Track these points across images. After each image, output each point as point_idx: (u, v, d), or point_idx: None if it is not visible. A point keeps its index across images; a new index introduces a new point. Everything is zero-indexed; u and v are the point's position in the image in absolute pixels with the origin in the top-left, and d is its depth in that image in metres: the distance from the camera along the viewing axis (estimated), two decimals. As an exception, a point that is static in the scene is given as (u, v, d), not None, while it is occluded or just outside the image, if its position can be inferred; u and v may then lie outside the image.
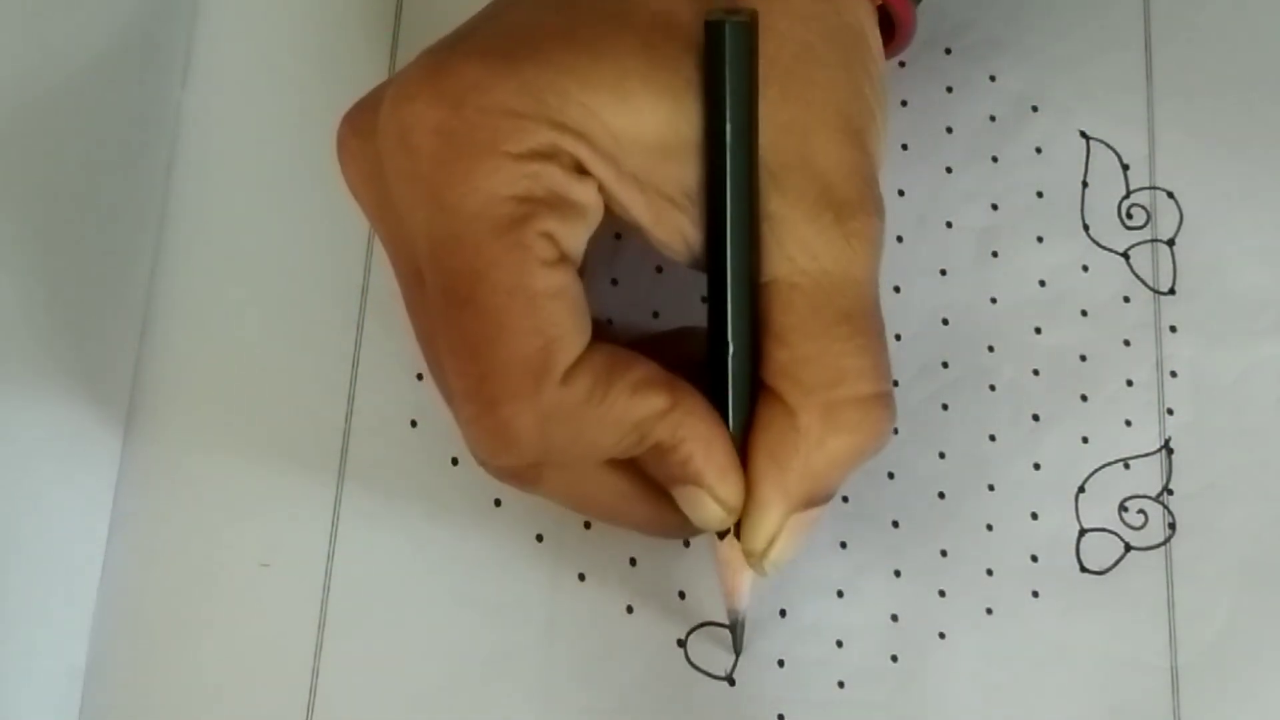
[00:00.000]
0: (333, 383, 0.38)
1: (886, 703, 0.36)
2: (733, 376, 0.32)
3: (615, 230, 0.38)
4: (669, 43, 0.31)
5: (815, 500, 0.33)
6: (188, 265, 0.38)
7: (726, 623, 0.36)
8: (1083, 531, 0.38)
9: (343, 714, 0.35)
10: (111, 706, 0.35)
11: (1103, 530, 0.38)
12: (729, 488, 0.32)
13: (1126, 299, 0.40)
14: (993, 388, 0.39)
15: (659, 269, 0.39)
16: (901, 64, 0.40)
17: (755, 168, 0.31)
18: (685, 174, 0.31)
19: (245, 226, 0.38)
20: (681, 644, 0.36)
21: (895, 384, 0.38)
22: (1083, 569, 0.38)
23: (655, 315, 0.38)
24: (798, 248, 0.31)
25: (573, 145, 0.30)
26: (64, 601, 0.36)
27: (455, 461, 0.37)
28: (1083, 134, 0.41)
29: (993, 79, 0.41)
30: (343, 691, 0.36)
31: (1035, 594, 0.37)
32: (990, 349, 0.39)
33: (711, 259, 0.32)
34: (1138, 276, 0.40)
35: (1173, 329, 0.39)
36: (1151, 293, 0.40)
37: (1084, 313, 0.40)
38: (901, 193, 0.40)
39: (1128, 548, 0.38)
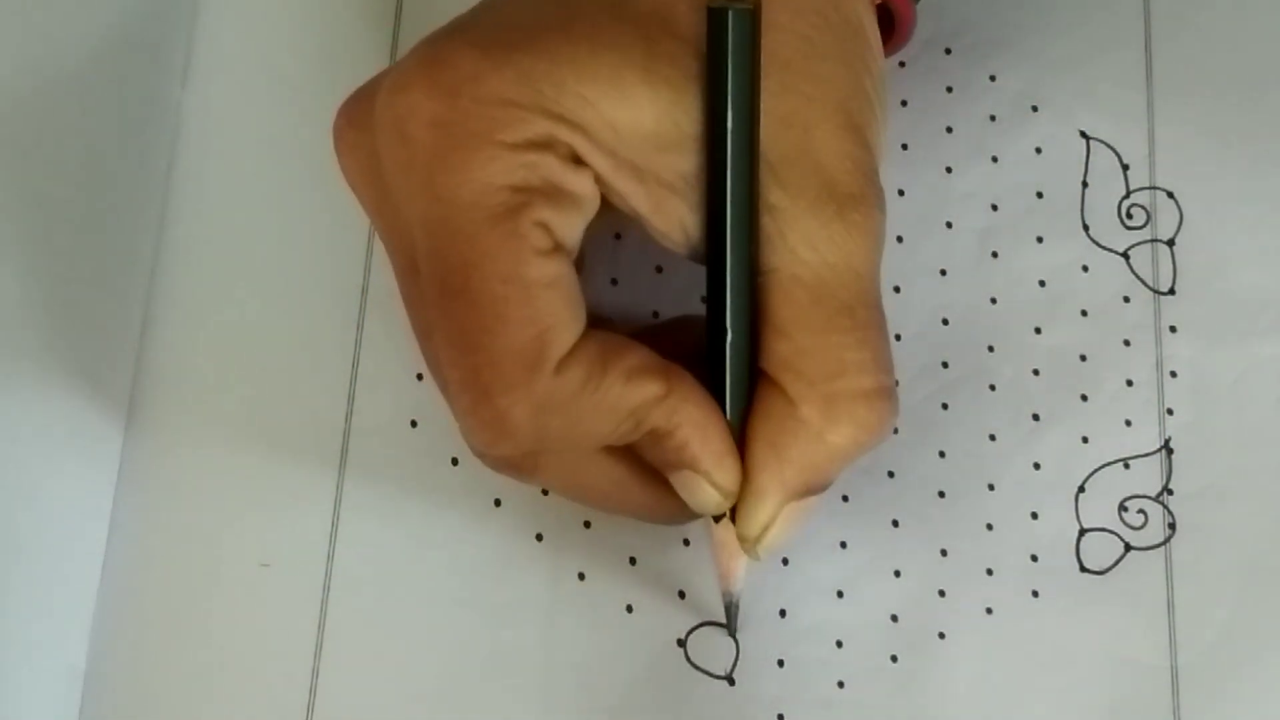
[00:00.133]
0: (333, 383, 0.37)
1: (886, 703, 0.36)
2: (731, 363, 0.32)
3: (615, 230, 0.38)
4: (667, 36, 0.31)
5: (812, 490, 0.33)
6: (188, 265, 0.38)
7: (726, 623, 0.36)
8: (1083, 531, 0.38)
9: (343, 714, 0.35)
10: (111, 706, 0.35)
11: (1103, 530, 0.38)
12: (725, 473, 0.32)
13: (1126, 299, 0.40)
14: (993, 388, 0.39)
15: (659, 269, 0.39)
16: (901, 64, 0.41)
17: (756, 155, 0.31)
18: (684, 164, 0.31)
19: (245, 226, 0.38)
20: (681, 644, 0.36)
21: (895, 384, 0.38)
22: (1083, 569, 0.38)
23: (655, 315, 0.38)
24: (799, 239, 0.31)
25: (569, 136, 0.30)
26: (64, 601, 0.36)
27: (455, 461, 0.37)
28: (1083, 134, 0.41)
29: (993, 79, 0.41)
30: (343, 691, 0.36)
31: (1035, 594, 0.37)
32: (990, 349, 0.39)
33: (711, 246, 0.32)
34: (1138, 276, 0.40)
35: (1173, 329, 0.39)
36: (1151, 293, 0.40)
37: (1084, 313, 0.40)
38: (901, 193, 0.40)
39: (1128, 548, 0.38)
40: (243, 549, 0.36)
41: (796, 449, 0.32)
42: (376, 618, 0.36)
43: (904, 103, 0.40)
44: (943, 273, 0.40)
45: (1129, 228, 0.40)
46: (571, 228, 0.31)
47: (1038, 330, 0.39)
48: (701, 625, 0.37)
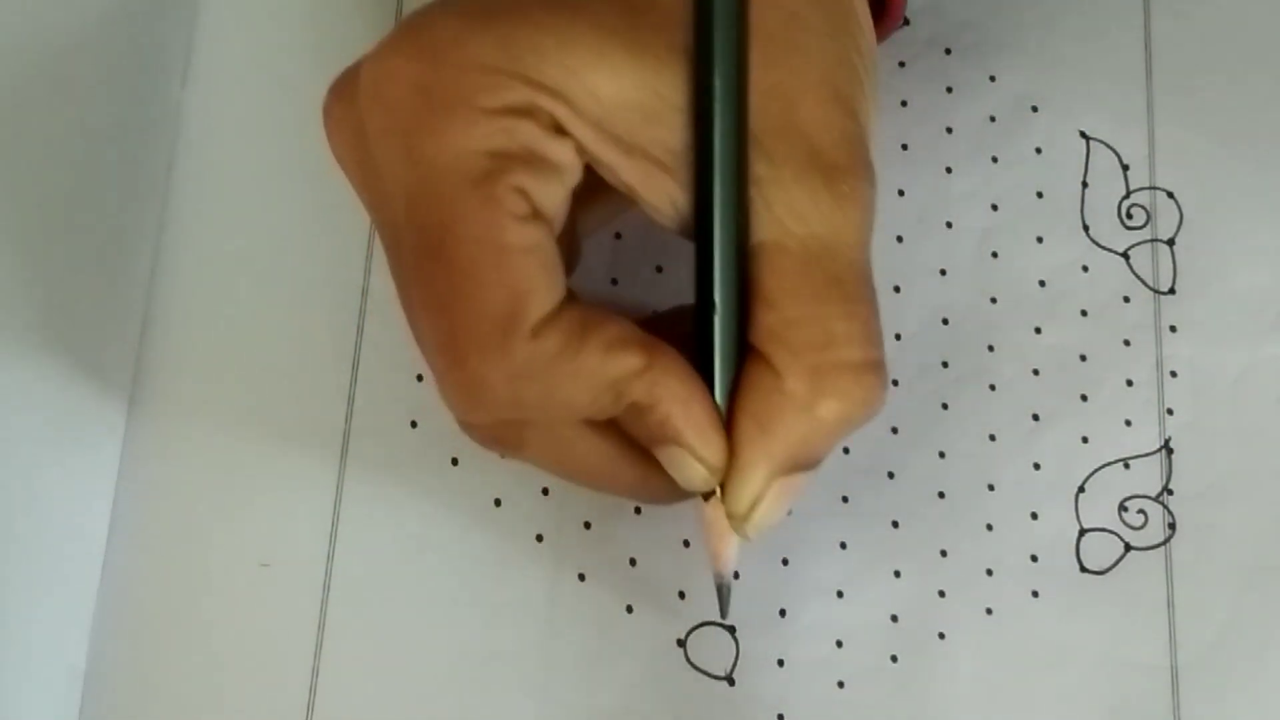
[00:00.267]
0: (333, 383, 0.37)
1: (886, 703, 0.36)
2: (719, 337, 0.32)
3: (615, 230, 0.38)
4: (651, 7, 0.31)
5: (801, 465, 0.32)
6: (188, 265, 0.38)
7: (718, 607, 0.36)
8: (1083, 531, 0.38)
9: (343, 714, 0.35)
10: (111, 706, 0.35)
11: (1103, 530, 0.38)
12: (710, 447, 0.32)
13: (1126, 299, 0.40)
14: (993, 388, 0.39)
15: (659, 268, 0.39)
16: (901, 64, 0.41)
17: (744, 128, 0.31)
18: (671, 137, 0.31)
19: (245, 226, 0.38)
20: (681, 644, 0.36)
21: (895, 383, 0.38)
22: (1083, 569, 0.38)
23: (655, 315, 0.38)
24: (785, 210, 0.31)
25: (550, 104, 0.30)
26: (64, 601, 0.36)
27: (455, 461, 0.37)
28: (1083, 134, 0.41)
29: (993, 79, 0.41)
30: (343, 691, 0.36)
31: (1035, 594, 0.37)
32: (990, 349, 0.39)
33: (699, 220, 0.32)
34: (1138, 276, 0.40)
35: (1173, 329, 0.39)
36: (1151, 293, 0.40)
37: (1084, 313, 0.40)
38: (901, 193, 0.40)
39: (1128, 548, 0.38)
40: (243, 549, 0.36)
41: (783, 422, 0.31)
42: (376, 617, 0.36)
43: (904, 103, 0.40)
44: (943, 273, 0.40)
45: (1129, 228, 0.40)
46: (551, 196, 0.31)
47: (1038, 330, 0.39)
48: (701, 625, 0.37)
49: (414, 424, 0.37)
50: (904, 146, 0.40)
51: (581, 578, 0.37)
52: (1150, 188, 0.40)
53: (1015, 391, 0.39)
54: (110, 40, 0.39)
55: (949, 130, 0.40)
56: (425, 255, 0.30)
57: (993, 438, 0.38)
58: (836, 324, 0.31)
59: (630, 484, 0.34)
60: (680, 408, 0.31)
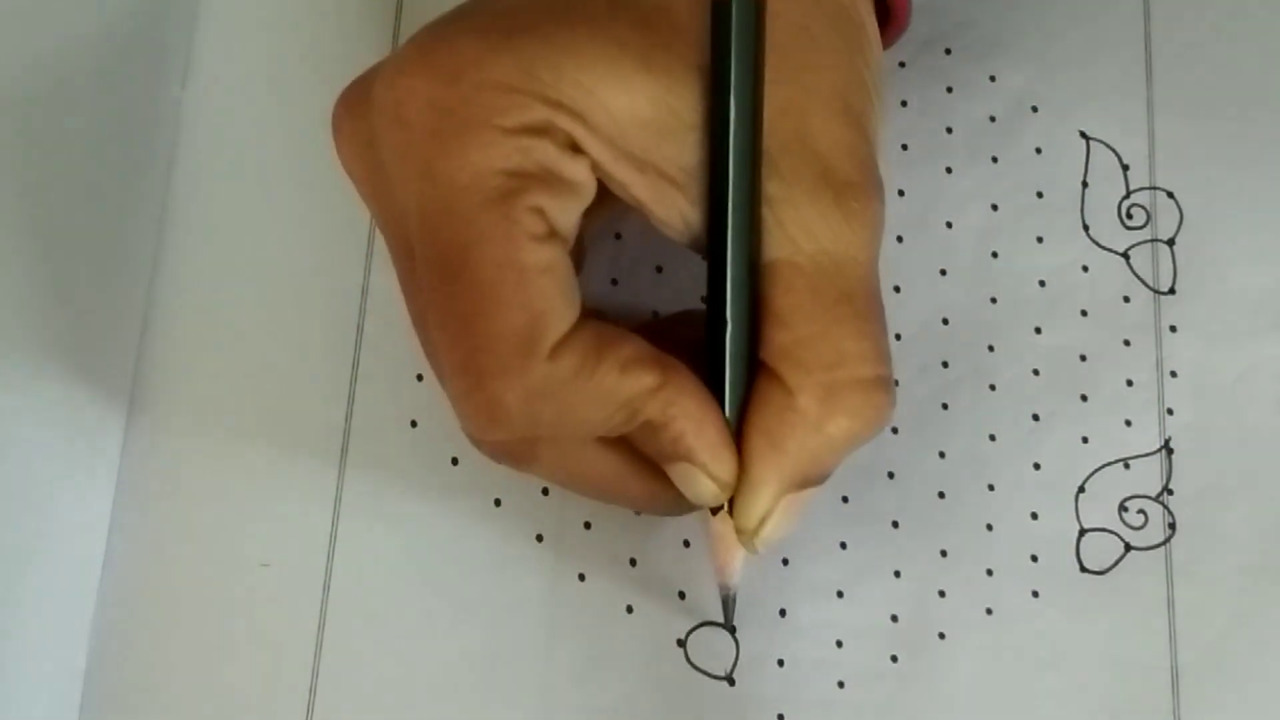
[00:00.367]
0: (333, 383, 0.37)
1: (886, 703, 0.36)
2: (730, 354, 0.32)
3: (615, 229, 0.38)
4: (666, 25, 0.31)
5: (810, 481, 0.33)
6: (188, 265, 0.38)
7: (723, 616, 0.36)
8: (1083, 531, 0.38)
9: (343, 714, 0.35)
10: (111, 706, 0.35)
11: (1103, 530, 0.38)
12: (722, 464, 0.32)
13: (1126, 299, 0.40)
14: (993, 388, 0.39)
15: (659, 268, 0.39)
16: (901, 64, 0.41)
17: (759, 147, 0.31)
18: (684, 154, 0.31)
19: (245, 226, 0.38)
20: (681, 644, 0.36)
21: (896, 383, 0.38)
22: (1083, 569, 0.38)
23: (655, 315, 0.38)
24: (797, 228, 0.31)
25: (566, 122, 0.30)
26: (64, 601, 0.36)
27: (455, 461, 0.37)
28: (1083, 134, 0.41)
29: (993, 79, 0.41)
30: (343, 691, 0.36)
31: (1035, 594, 0.37)
32: (990, 349, 0.39)
33: (711, 237, 0.32)
34: (1138, 276, 0.40)
35: (1173, 329, 0.39)
36: (1151, 293, 0.40)
37: (1084, 313, 0.40)
38: (901, 193, 0.40)
39: (1128, 548, 0.38)
40: (243, 549, 0.36)
41: (794, 439, 0.32)
42: (376, 618, 0.36)
43: (904, 103, 0.40)
44: (943, 273, 0.40)
45: (1129, 228, 0.40)
46: (567, 214, 0.31)
47: (1038, 330, 0.39)
48: (701, 625, 0.37)
49: (414, 424, 0.37)
50: (904, 146, 0.40)
51: (581, 578, 0.37)
52: (1150, 188, 0.40)
53: (1015, 391, 0.39)
54: (110, 40, 0.39)
55: (949, 130, 0.40)
56: (443, 275, 0.30)
57: (993, 438, 0.38)
58: (848, 342, 0.31)
59: (639, 497, 0.34)
60: (693, 425, 0.32)
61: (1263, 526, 0.38)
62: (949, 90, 0.41)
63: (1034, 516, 0.38)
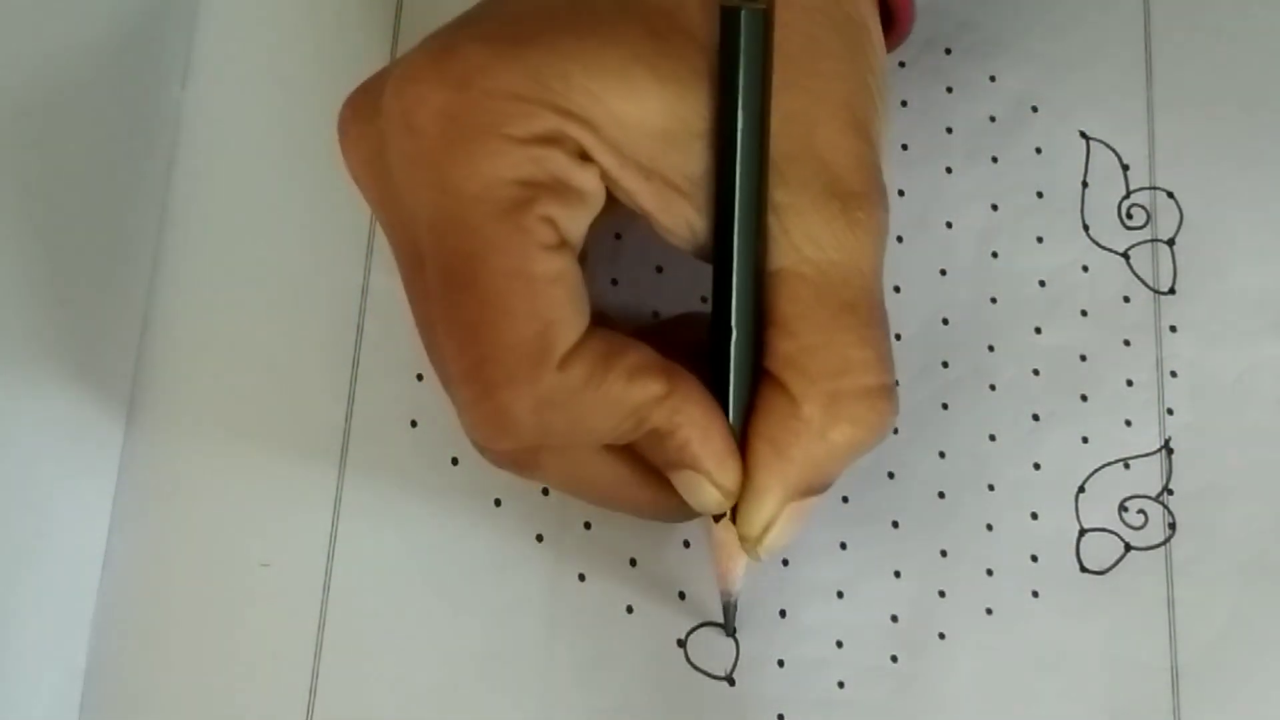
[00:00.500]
0: (333, 383, 0.37)
1: (886, 703, 0.36)
2: (734, 362, 0.32)
3: (616, 229, 0.38)
4: (675, 32, 0.31)
5: (813, 489, 0.33)
6: (188, 265, 0.38)
7: (723, 622, 0.36)
8: (1083, 531, 0.38)
9: (343, 714, 0.35)
10: (111, 706, 0.35)
11: (1103, 530, 0.38)
12: (726, 473, 0.32)
13: (1126, 299, 0.40)
14: (993, 388, 0.39)
15: (659, 269, 0.39)
16: (901, 64, 0.40)
17: (766, 155, 0.31)
18: (690, 162, 0.31)
19: (245, 226, 0.38)
20: (681, 644, 0.36)
21: (895, 383, 0.37)
22: (1083, 569, 0.38)
23: (655, 315, 0.38)
24: (803, 237, 0.31)
25: (577, 131, 0.30)
26: (64, 601, 0.36)
27: (455, 461, 0.37)
28: (1083, 134, 0.41)
29: (993, 79, 0.41)
30: (343, 691, 0.36)
31: (1035, 594, 0.37)
32: (990, 349, 0.39)
33: (717, 244, 0.32)
34: (1138, 276, 0.40)
35: (1173, 329, 0.39)
36: (1151, 293, 0.40)
37: (1084, 313, 0.40)
38: (901, 193, 0.40)
39: (1128, 548, 0.38)
40: (243, 549, 0.36)
41: (798, 448, 0.32)
42: (376, 618, 0.36)
43: (904, 103, 0.40)
44: (943, 273, 0.40)
45: (1129, 228, 0.40)
46: (577, 223, 0.31)
47: (1038, 330, 0.39)
48: (701, 626, 0.37)
49: (414, 424, 0.37)
50: (904, 146, 0.40)
51: (581, 578, 0.37)
52: (1150, 188, 0.40)
53: (1015, 391, 0.39)
54: (110, 41, 0.39)
55: (949, 130, 0.40)
56: (453, 285, 0.30)
57: (993, 438, 0.38)
58: (852, 351, 0.32)
59: (643, 505, 0.34)
60: (699, 433, 0.32)
61: (1263, 526, 0.38)
62: (949, 90, 0.41)
63: (1034, 516, 0.38)
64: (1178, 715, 0.37)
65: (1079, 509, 0.38)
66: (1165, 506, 0.38)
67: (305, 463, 0.37)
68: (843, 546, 0.37)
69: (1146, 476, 0.38)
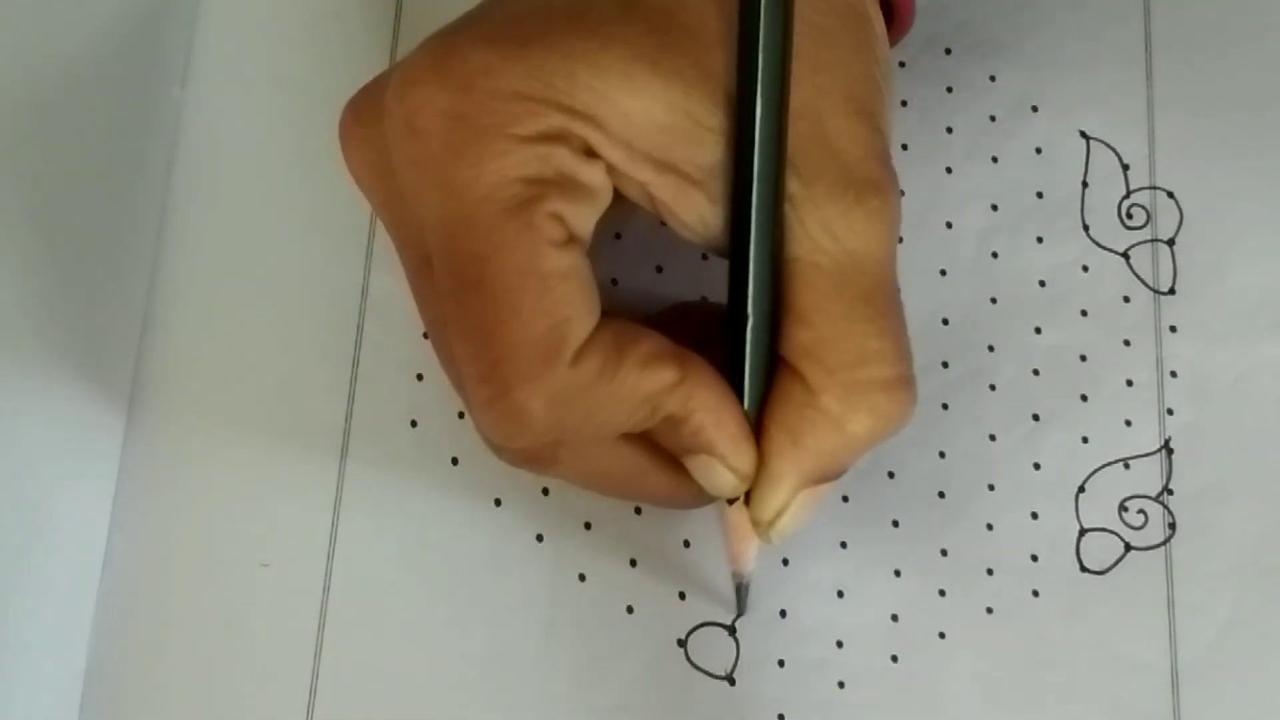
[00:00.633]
0: (333, 383, 0.37)
1: (886, 703, 0.36)
2: (751, 347, 0.32)
3: (615, 229, 0.38)
4: (676, 27, 0.31)
5: (827, 477, 0.33)
6: (188, 265, 0.38)
7: (728, 621, 0.36)
8: (1083, 531, 0.38)
9: (343, 714, 0.35)
10: (111, 706, 0.35)
11: (1103, 530, 0.38)
12: (741, 456, 0.32)
13: (1126, 299, 0.40)
14: (993, 387, 0.39)
15: (659, 269, 0.39)
16: (902, 64, 0.40)
17: (784, 141, 0.31)
18: (701, 155, 0.31)
19: (245, 226, 0.38)
20: (681, 644, 0.36)
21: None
22: (1083, 569, 0.38)
23: (652, 310, 0.38)
24: (819, 228, 0.31)
25: (581, 128, 0.30)
26: (64, 601, 0.36)
27: (455, 461, 0.37)
28: (1083, 134, 0.41)
29: (993, 79, 0.41)
30: (343, 691, 0.36)
31: (1035, 593, 0.37)
32: (990, 349, 0.39)
33: (734, 231, 0.32)
34: (1138, 276, 0.40)
35: (1173, 329, 0.39)
36: (1151, 293, 0.40)
37: (1084, 313, 0.40)
38: (902, 193, 0.40)
39: (1128, 547, 0.38)
40: (243, 549, 0.36)
41: (814, 436, 0.32)
42: (376, 617, 0.36)
43: (904, 103, 0.40)
44: (943, 273, 0.40)
45: (1129, 228, 0.40)
46: (585, 219, 0.31)
47: (1038, 330, 0.39)
48: (701, 625, 0.37)
49: (414, 424, 0.37)
50: (904, 146, 0.40)
51: (581, 578, 0.37)
52: (1150, 188, 0.40)
53: (1015, 391, 0.39)
54: (110, 41, 0.39)
55: (949, 130, 0.40)
56: (463, 285, 0.30)
57: (993, 438, 0.38)
58: (869, 341, 0.32)
59: (660, 493, 0.34)
60: (713, 418, 0.32)
61: (1263, 526, 0.38)
62: (949, 90, 0.41)
63: (1034, 516, 0.38)
64: (1178, 715, 0.37)
65: (1079, 509, 0.38)
66: (1165, 506, 0.38)
67: (305, 462, 0.37)
68: (843, 546, 0.37)
69: (1146, 476, 0.38)
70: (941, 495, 0.38)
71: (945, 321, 0.39)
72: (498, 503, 0.37)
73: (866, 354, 0.32)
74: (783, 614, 0.37)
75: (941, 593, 0.37)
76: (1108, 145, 0.41)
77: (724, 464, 0.32)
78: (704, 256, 0.38)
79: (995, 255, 0.40)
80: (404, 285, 0.37)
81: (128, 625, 0.36)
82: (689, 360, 0.32)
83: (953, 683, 0.37)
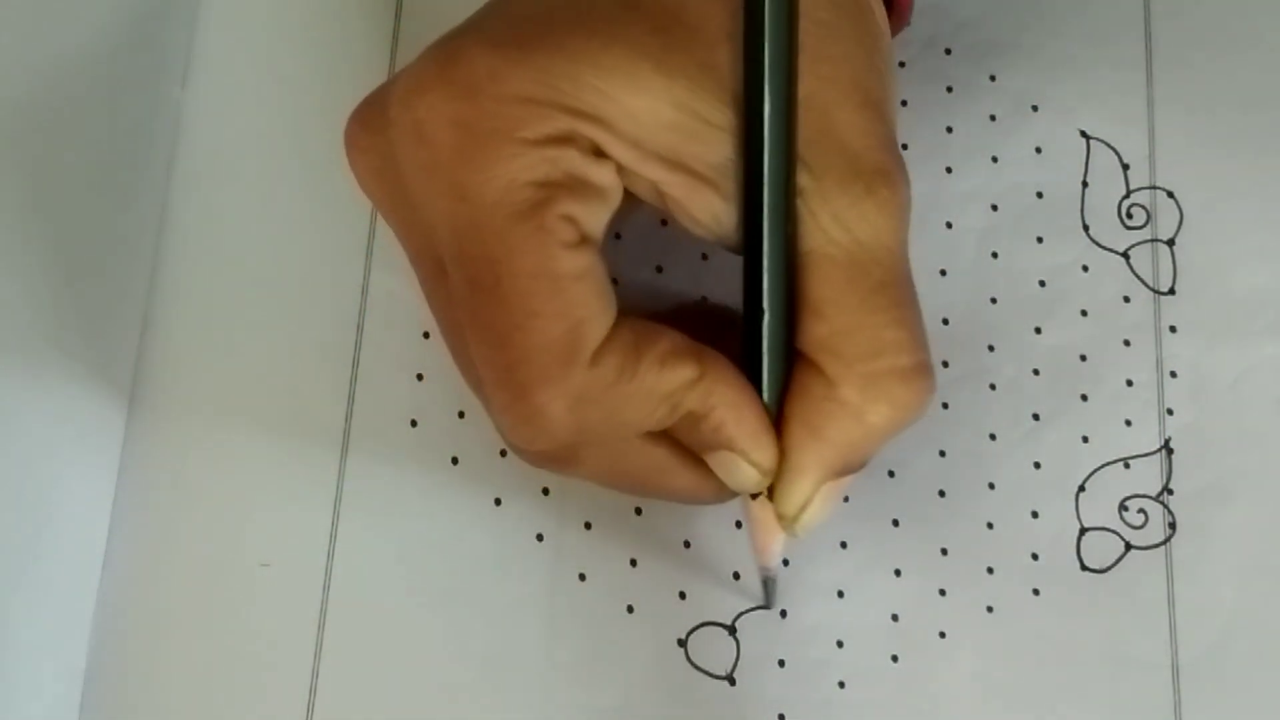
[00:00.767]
0: (333, 383, 0.37)
1: (886, 703, 0.36)
2: (768, 342, 0.32)
3: (615, 229, 0.38)
4: (680, 26, 0.31)
5: (850, 468, 0.33)
6: (188, 265, 0.38)
7: (727, 621, 0.36)
8: (1083, 530, 0.38)
9: (343, 714, 0.35)
10: (111, 706, 0.35)
11: (1103, 529, 0.38)
12: (762, 451, 0.32)
13: (1126, 299, 0.40)
14: (993, 387, 0.39)
15: (659, 269, 0.39)
16: (902, 64, 0.41)
17: (794, 140, 0.31)
18: (710, 152, 0.31)
19: (245, 226, 0.38)
20: (681, 644, 0.36)
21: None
22: (1083, 568, 0.38)
23: (654, 312, 0.38)
24: (830, 220, 0.31)
25: (589, 129, 0.30)
26: (64, 601, 0.36)
27: (455, 461, 0.37)
28: (1083, 134, 0.41)
29: (993, 79, 0.41)
30: (343, 691, 0.36)
31: (1036, 592, 0.37)
32: (990, 349, 0.39)
33: (748, 225, 0.32)
34: (1138, 276, 0.40)
35: (1173, 329, 0.39)
36: (1151, 293, 0.40)
37: (1084, 313, 0.40)
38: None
39: (1128, 547, 0.38)
40: (243, 549, 0.36)
41: (835, 428, 0.32)
42: (376, 618, 0.36)
43: (904, 103, 0.40)
44: (943, 273, 0.40)
45: (1129, 228, 0.40)
46: (596, 219, 0.31)
47: (1038, 330, 0.39)
48: (702, 625, 0.37)
49: (414, 424, 0.37)
50: (904, 146, 0.40)
51: (581, 578, 0.37)
52: (1150, 187, 0.40)
53: (1015, 391, 0.39)
54: (111, 41, 0.39)
55: (949, 130, 0.41)
56: (478, 290, 0.30)
57: (993, 437, 0.38)
58: (885, 331, 0.32)
59: (682, 490, 0.34)
60: (733, 414, 0.32)
61: (1263, 526, 0.38)
62: (949, 90, 0.41)
63: (1034, 515, 0.38)
64: (1179, 714, 0.37)
65: (1079, 508, 0.38)
66: (1165, 506, 0.38)
67: (305, 462, 0.37)
68: (843, 546, 0.37)
69: (1146, 476, 0.38)
70: (942, 494, 0.38)
71: (945, 321, 0.39)
72: (498, 503, 0.37)
73: (883, 344, 0.32)
74: (783, 614, 0.37)
75: (942, 592, 0.37)
76: (1108, 145, 0.41)
77: (745, 459, 0.32)
78: (704, 256, 0.38)
79: (995, 255, 0.40)
80: (404, 285, 0.37)
81: (128, 625, 0.36)
82: (708, 357, 0.32)
83: (953, 682, 0.37)
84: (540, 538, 0.37)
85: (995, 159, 0.40)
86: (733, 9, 0.31)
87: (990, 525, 0.38)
